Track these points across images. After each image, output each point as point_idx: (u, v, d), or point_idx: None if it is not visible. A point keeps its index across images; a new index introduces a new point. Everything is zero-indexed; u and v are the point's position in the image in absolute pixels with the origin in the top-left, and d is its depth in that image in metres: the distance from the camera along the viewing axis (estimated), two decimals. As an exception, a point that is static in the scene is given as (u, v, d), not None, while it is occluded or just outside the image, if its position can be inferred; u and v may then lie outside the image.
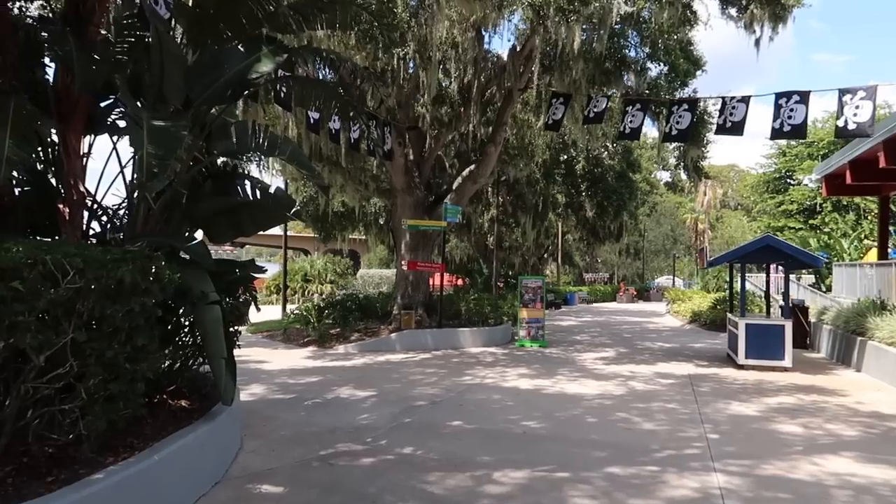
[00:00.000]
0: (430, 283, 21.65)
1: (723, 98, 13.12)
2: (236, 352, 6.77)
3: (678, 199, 79.08)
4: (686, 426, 7.95)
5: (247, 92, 6.46)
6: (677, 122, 13.73)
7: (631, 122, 14.40)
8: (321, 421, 8.09)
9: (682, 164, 22.03)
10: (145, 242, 5.34)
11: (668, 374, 12.37)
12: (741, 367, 13.17)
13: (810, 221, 32.77)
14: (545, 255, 45.97)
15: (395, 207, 18.05)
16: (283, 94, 10.24)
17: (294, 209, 6.48)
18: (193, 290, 5.15)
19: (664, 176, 56.10)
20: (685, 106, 13.66)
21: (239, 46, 6.20)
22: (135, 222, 5.61)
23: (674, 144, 21.90)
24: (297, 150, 7.06)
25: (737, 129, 12.87)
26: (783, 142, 37.89)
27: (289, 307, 22.15)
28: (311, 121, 11.71)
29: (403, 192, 17.45)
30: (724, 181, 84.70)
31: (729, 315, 15.54)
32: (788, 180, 37.13)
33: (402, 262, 17.21)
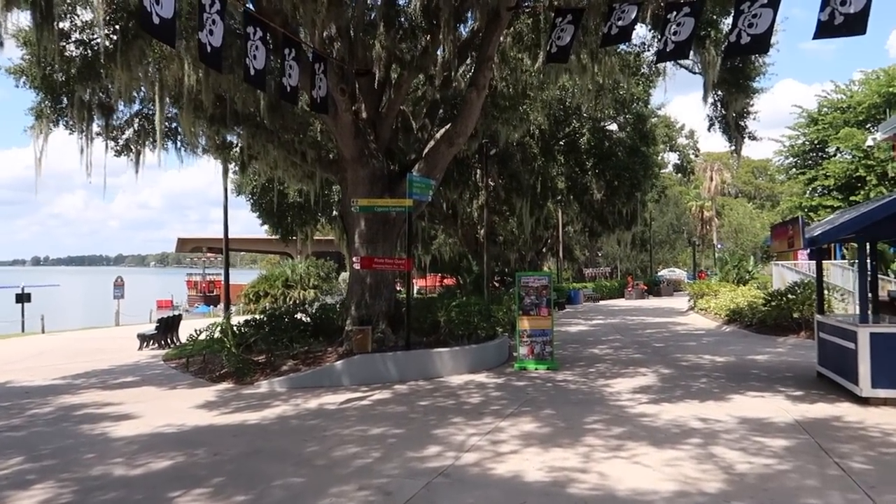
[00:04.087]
0: (398, 285, 16.98)
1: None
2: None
3: (679, 188, 74.66)
4: None
5: None
6: (749, 25, 8.99)
7: (675, 34, 9.67)
8: None
9: (717, 123, 17.22)
10: None
11: (761, 421, 7.60)
12: (866, 401, 8.46)
13: (852, 198, 28.06)
14: (543, 250, 41.22)
15: (344, 184, 13.23)
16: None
17: None
18: None
19: (671, 158, 51.64)
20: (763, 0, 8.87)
21: None
22: None
23: (707, 101, 17.02)
24: None
25: (854, 23, 8.14)
26: (813, 108, 33.10)
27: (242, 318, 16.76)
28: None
29: (354, 163, 12.64)
30: (720, 170, 79.90)
31: (819, 318, 10.79)
32: (821, 153, 32.40)
33: (355, 259, 12.41)
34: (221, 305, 50.30)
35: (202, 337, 12.80)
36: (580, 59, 15.07)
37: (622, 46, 17.39)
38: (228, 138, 14.80)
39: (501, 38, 13.07)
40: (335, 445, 6.95)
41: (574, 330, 20.28)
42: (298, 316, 15.31)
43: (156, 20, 6.79)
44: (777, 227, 10.78)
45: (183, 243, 75.59)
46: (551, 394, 9.76)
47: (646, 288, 43.88)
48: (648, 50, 17.76)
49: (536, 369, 12.13)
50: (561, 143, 25.88)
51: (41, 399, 10.38)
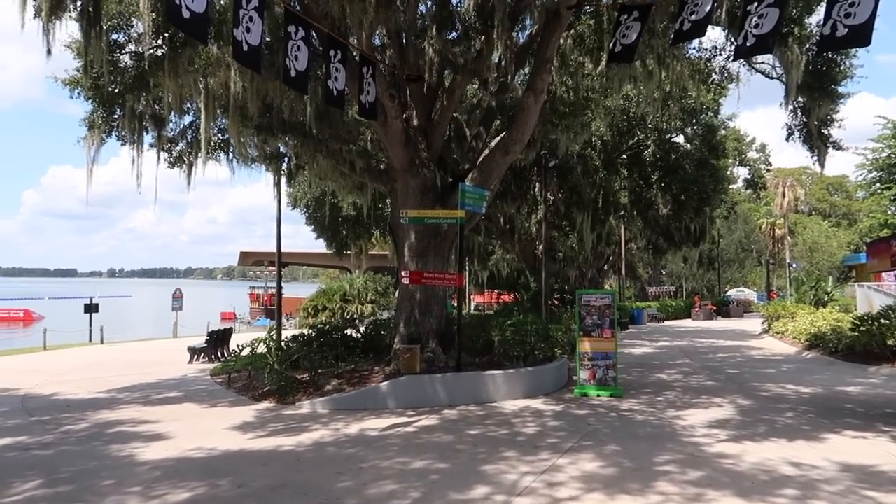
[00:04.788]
0: (455, 300, 16.29)
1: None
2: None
3: (749, 205, 71.76)
4: None
5: None
6: (846, 15, 7.92)
7: (757, 27, 8.67)
8: None
9: (796, 131, 15.89)
10: None
11: (868, 470, 6.46)
12: None
13: (945, 215, 25.86)
14: (605, 267, 39.78)
15: (394, 195, 12.64)
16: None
17: None
18: None
19: (741, 173, 49.67)
20: (866, -16, 7.79)
21: None
22: None
23: (789, 106, 15.65)
24: None
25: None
26: (900, 119, 30.80)
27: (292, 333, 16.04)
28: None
29: (404, 173, 12.04)
30: (793, 186, 76.04)
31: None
32: (908, 166, 30.10)
33: (403, 274, 11.76)
34: (283, 318, 50.78)
35: (245, 352, 12.34)
36: (646, 65, 14.14)
37: (692, 50, 16.34)
38: (280, 149, 14.48)
39: (561, 41, 12.28)
40: (371, 481, 6.23)
41: (639, 352, 19.08)
42: (349, 332, 14.78)
43: (185, 14, 6.34)
44: (876, 242, 9.57)
45: (245, 257, 76.85)
46: (615, 425, 8.79)
47: (714, 308, 41.78)
48: (720, 54, 16.64)
49: (598, 396, 11.15)
50: (624, 155, 24.76)
51: (79, 414, 10.08)
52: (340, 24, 10.39)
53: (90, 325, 29.39)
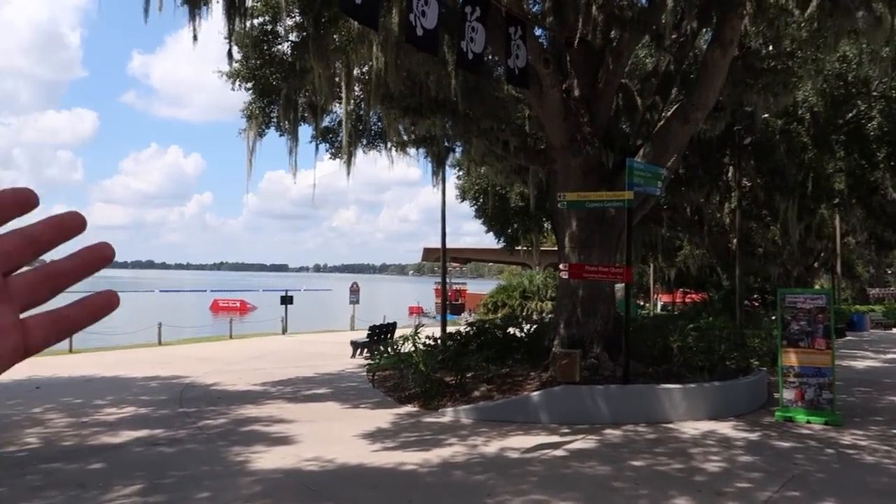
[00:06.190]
0: (640, 300, 14.42)
1: None
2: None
3: None
4: None
5: None
6: None
7: None
8: None
9: None
10: None
11: None
12: None
13: None
14: (815, 264, 34.57)
15: (553, 177, 11.12)
16: None
17: None
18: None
19: None
20: None
21: None
22: None
23: None
24: None
25: None
26: None
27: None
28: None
29: (564, 151, 10.50)
30: None
31: None
32: None
33: (562, 267, 10.24)
34: (465, 314, 51.01)
35: (392, 350, 11.59)
36: (872, 10, 11.28)
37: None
38: (434, 133, 13.63)
39: (759, -19, 9.99)
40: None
41: (861, 366, 15.68)
42: (511, 331, 13.57)
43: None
44: None
45: (428, 253, 78.64)
46: (833, 468, 6.62)
47: (959, 315, 34.66)
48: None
49: (808, 422, 8.82)
50: (841, 131, 20.80)
51: (224, 407, 9.88)
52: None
53: (285, 314, 31.15)
